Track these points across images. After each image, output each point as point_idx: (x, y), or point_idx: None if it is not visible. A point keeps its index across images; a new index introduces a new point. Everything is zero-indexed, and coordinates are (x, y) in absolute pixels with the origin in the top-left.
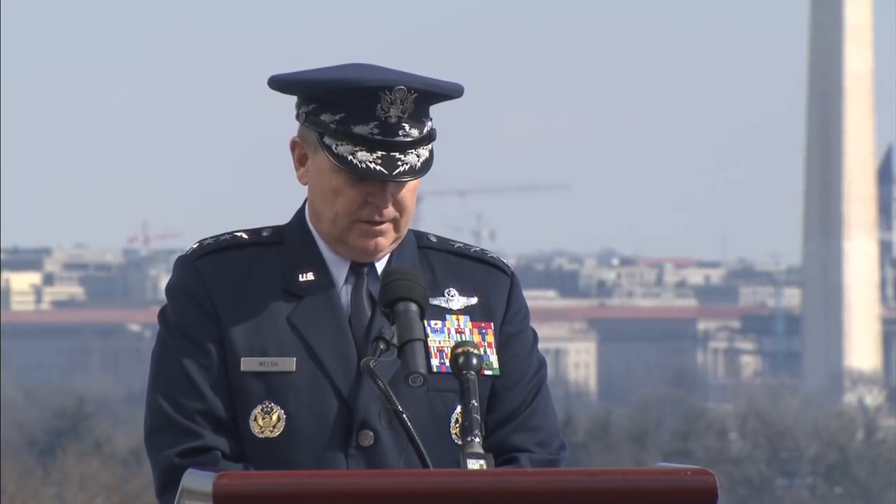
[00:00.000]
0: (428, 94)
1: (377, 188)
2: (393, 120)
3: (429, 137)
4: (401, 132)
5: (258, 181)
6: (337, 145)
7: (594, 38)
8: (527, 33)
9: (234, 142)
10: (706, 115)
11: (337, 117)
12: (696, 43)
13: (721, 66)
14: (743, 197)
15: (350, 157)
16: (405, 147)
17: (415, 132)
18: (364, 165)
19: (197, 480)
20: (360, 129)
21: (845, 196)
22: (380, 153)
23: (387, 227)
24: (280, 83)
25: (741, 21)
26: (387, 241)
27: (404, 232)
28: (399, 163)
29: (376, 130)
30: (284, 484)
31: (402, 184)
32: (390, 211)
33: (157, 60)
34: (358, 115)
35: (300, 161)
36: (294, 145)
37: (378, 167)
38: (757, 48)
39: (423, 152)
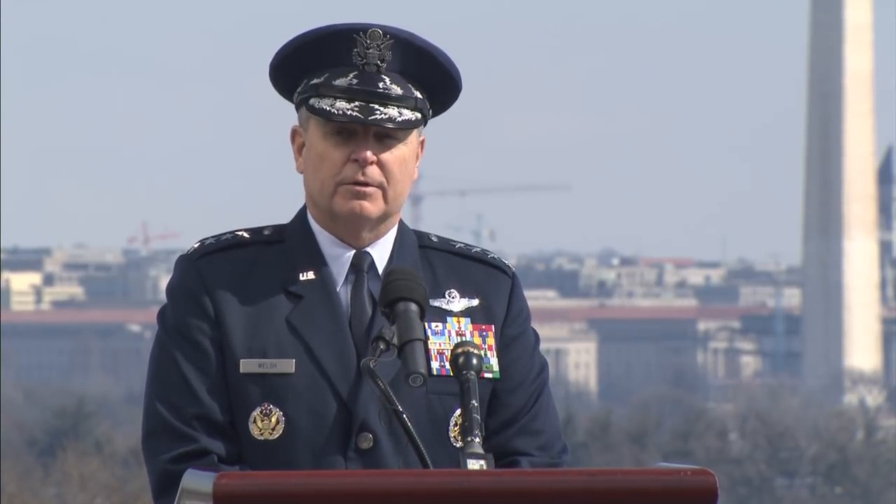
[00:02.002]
0: (404, 42)
1: (359, 145)
2: (371, 69)
3: (414, 102)
4: (381, 84)
5: (258, 182)
6: (319, 101)
7: (594, 39)
8: (527, 34)
9: (234, 142)
10: (706, 116)
11: (322, 78)
12: (696, 43)
13: (721, 66)
14: (743, 197)
15: (328, 108)
16: (385, 99)
17: (396, 89)
18: (340, 112)
19: (197, 480)
20: (340, 82)
21: (845, 196)
22: (358, 103)
23: (372, 190)
24: (273, 61)
25: (741, 21)
26: (373, 207)
27: (394, 209)
28: (377, 112)
29: (355, 81)
30: (284, 484)
31: (386, 146)
32: (374, 171)
33: (159, 62)
34: (339, 69)
35: (299, 150)
36: (294, 134)
37: (354, 113)
38: (757, 48)
39: (407, 112)
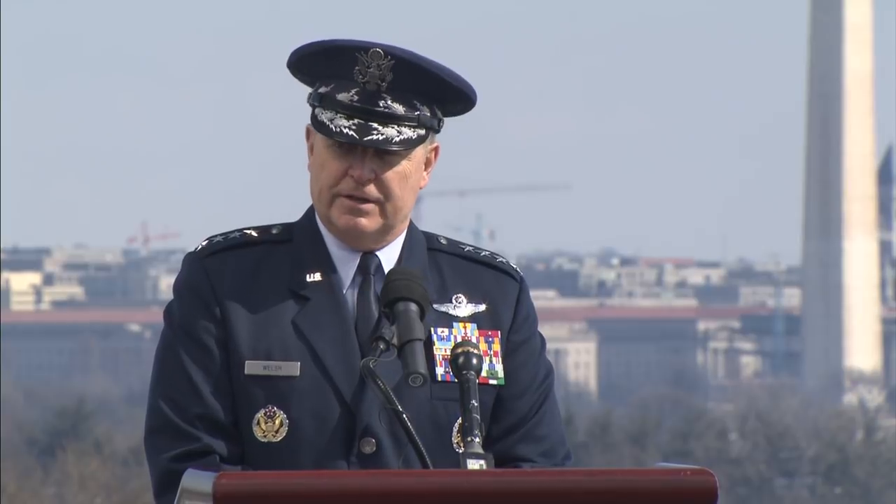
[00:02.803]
0: (405, 62)
1: (356, 160)
2: (372, 87)
3: (417, 120)
4: (381, 103)
5: (259, 182)
6: (322, 113)
7: (595, 39)
8: (527, 34)
9: (234, 142)
10: (706, 116)
11: (329, 88)
12: (696, 43)
13: (721, 66)
14: (743, 197)
15: (328, 123)
16: (385, 118)
17: (398, 107)
18: (338, 130)
19: (197, 480)
20: (342, 97)
21: (845, 196)
22: (357, 121)
23: (370, 207)
24: (288, 62)
25: (741, 21)
26: (371, 223)
27: (396, 221)
28: (374, 132)
29: (356, 98)
30: (284, 484)
31: (387, 163)
32: (371, 189)
33: (160, 62)
34: (343, 84)
35: (311, 149)
36: (308, 133)
37: (350, 132)
38: (757, 48)
39: (407, 131)
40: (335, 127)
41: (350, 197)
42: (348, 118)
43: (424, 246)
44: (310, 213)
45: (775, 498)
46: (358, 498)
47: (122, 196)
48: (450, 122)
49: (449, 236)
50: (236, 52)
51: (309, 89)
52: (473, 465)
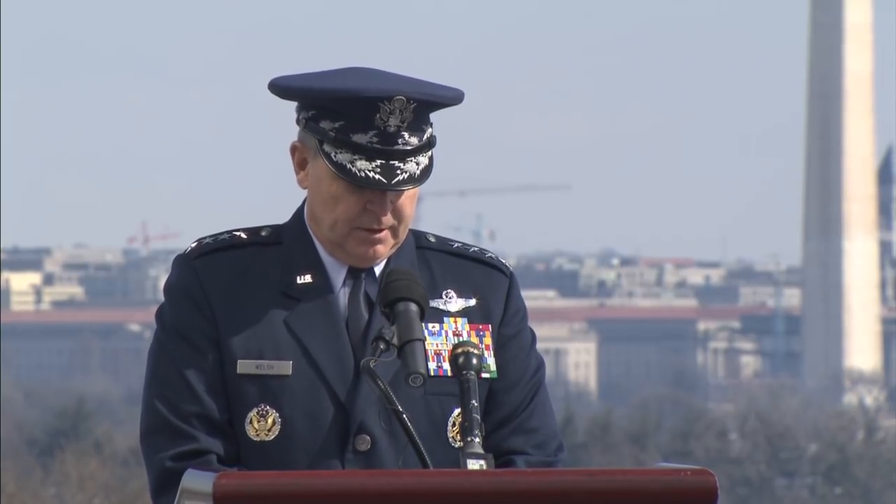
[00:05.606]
0: (427, 103)
1: (376, 196)
2: (392, 129)
3: (428, 144)
4: (400, 141)
5: (258, 181)
6: (336, 153)
7: (595, 39)
8: (528, 35)
9: (234, 143)
10: (706, 116)
11: (336, 125)
12: (696, 44)
13: (721, 66)
14: (743, 197)
15: (349, 166)
16: (404, 155)
17: (414, 140)
18: (363, 174)
19: (197, 480)
20: (359, 138)
21: (845, 196)
22: (379, 162)
23: (385, 234)
24: (279, 89)
25: (741, 21)
26: (385, 247)
27: (403, 238)
28: (398, 171)
29: (375, 139)
30: (284, 484)
31: (402, 192)
32: (389, 219)
33: (161, 62)
34: (357, 124)
35: (300, 165)
36: (294, 150)
37: (377, 176)
38: (757, 49)
39: (423, 160)
40: (358, 171)
41: (369, 230)
42: (369, 159)
43: (413, 244)
44: (298, 215)
45: (775, 498)
46: (358, 498)
47: (122, 196)
48: (451, 123)
49: (449, 236)
50: (238, 52)
51: (289, 103)
52: (473, 465)
